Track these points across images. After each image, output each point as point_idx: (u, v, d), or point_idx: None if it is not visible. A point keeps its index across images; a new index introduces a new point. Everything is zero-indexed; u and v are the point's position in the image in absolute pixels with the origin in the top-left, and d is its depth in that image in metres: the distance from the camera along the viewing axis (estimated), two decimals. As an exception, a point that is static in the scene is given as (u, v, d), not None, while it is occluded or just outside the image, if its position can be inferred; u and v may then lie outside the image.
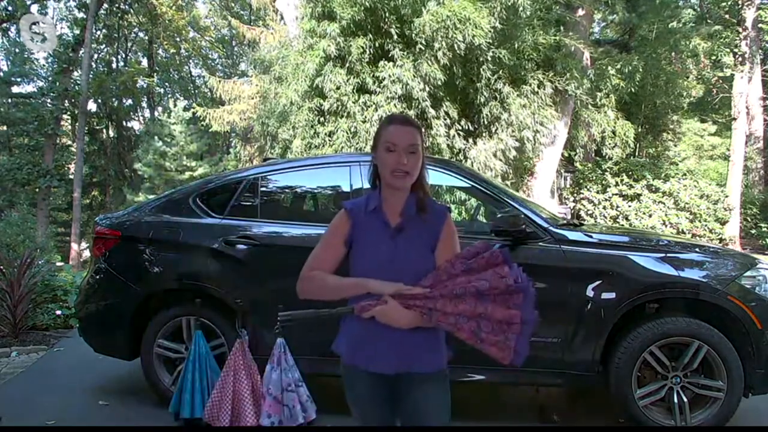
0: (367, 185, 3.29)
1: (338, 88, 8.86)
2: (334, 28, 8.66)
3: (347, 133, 8.90)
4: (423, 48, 8.58)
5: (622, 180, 12.32)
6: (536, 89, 9.11)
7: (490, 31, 8.30)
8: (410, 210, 1.63)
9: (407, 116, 1.75)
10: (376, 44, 9.02)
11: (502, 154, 9.16)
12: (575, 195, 12.93)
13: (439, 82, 8.54)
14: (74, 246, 16.95)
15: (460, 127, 9.23)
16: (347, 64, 8.88)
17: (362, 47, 8.74)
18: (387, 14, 8.61)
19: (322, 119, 9.39)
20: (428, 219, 1.62)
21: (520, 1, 8.20)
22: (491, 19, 8.31)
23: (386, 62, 8.85)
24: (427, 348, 1.61)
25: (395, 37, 8.76)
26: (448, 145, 9.12)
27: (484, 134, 9.48)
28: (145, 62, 25.36)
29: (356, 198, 1.73)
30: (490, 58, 8.61)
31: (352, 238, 1.63)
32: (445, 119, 9.02)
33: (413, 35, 8.63)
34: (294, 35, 10.30)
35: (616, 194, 12.23)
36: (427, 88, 8.68)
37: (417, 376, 1.60)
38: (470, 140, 9.41)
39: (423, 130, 1.71)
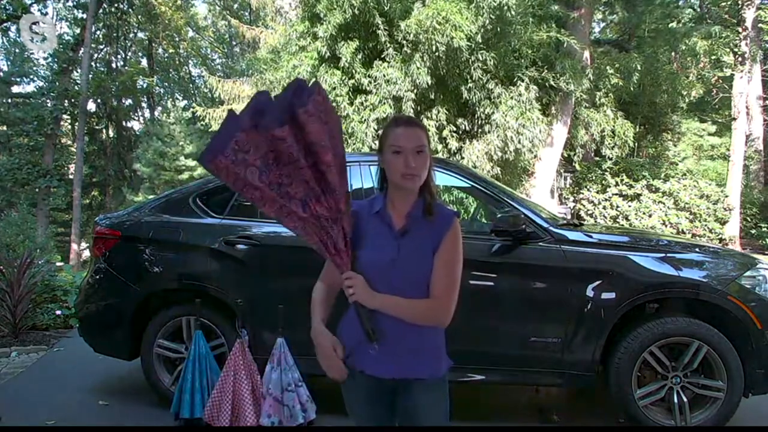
0: (366, 185, 3.32)
1: (333, 89, 8.88)
2: (324, 30, 8.69)
3: (344, 133, 8.93)
4: (409, 51, 8.61)
5: (621, 180, 12.32)
6: (522, 91, 9.09)
7: (478, 32, 8.29)
8: (417, 213, 1.60)
9: (412, 117, 1.73)
10: (369, 45, 9.05)
11: (489, 156, 9.16)
12: (575, 195, 12.93)
13: (426, 84, 8.55)
14: (74, 246, 16.94)
15: (453, 128, 9.23)
16: (341, 65, 8.91)
17: (355, 50, 8.77)
18: (374, 17, 8.62)
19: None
20: (435, 221, 1.59)
21: (505, 0, 8.16)
22: (479, 18, 8.28)
23: (380, 62, 8.88)
24: (425, 355, 1.60)
25: (384, 39, 8.78)
26: (444, 145, 9.13)
27: (478, 134, 9.50)
28: (144, 62, 25.36)
29: (362, 200, 1.71)
30: (480, 59, 8.60)
31: (356, 239, 1.61)
32: (436, 120, 9.03)
33: (400, 38, 8.66)
34: (289, 37, 10.31)
35: (616, 194, 12.23)
36: (416, 90, 8.69)
37: (415, 382, 1.59)
38: (467, 140, 9.42)
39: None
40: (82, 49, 17.70)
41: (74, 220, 17.14)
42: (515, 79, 9.24)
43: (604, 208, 12.27)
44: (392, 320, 1.54)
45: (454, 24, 8.07)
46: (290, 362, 3.07)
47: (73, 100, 18.09)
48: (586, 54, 10.79)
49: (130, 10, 21.54)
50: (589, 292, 3.07)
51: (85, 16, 18.53)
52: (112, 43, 22.84)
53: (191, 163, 19.44)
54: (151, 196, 13.17)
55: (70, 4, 21.56)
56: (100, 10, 19.64)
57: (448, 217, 1.60)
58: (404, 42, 8.66)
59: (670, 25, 12.66)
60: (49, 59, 18.58)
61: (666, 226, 11.75)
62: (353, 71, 8.93)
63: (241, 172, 1.47)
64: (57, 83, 17.80)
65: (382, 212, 1.62)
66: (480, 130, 9.50)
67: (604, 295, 3.07)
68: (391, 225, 1.61)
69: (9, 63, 19.67)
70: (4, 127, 18.26)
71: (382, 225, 1.61)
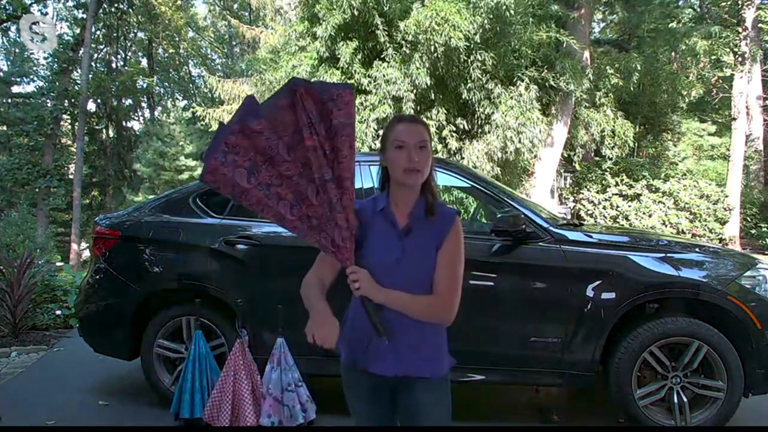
0: (366, 185, 3.32)
1: None
2: (324, 30, 8.70)
3: None
4: (408, 51, 8.62)
5: (621, 180, 12.33)
6: (522, 91, 9.08)
7: (477, 32, 8.29)
8: (419, 212, 1.61)
9: (414, 115, 1.74)
10: (369, 45, 9.05)
11: (489, 156, 9.16)
12: (575, 195, 12.93)
13: (425, 85, 8.55)
14: (74, 246, 16.94)
15: (453, 128, 9.22)
16: (341, 65, 8.91)
17: (354, 50, 8.77)
18: (373, 18, 8.63)
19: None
20: (437, 221, 1.60)
21: (503, 0, 8.16)
22: (477, 18, 8.27)
23: (380, 62, 8.88)
24: (428, 353, 1.60)
25: (383, 39, 8.78)
26: (444, 145, 9.13)
27: (478, 134, 9.49)
28: (145, 62, 25.37)
29: (364, 199, 1.71)
30: (479, 59, 8.60)
31: (360, 238, 1.61)
32: (436, 120, 9.03)
33: (399, 38, 8.67)
34: (289, 37, 10.32)
35: (616, 194, 12.23)
36: (416, 90, 8.69)
37: (417, 381, 1.59)
38: (466, 141, 9.42)
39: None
40: (82, 49, 17.69)
41: (74, 220, 17.13)
42: (515, 79, 9.24)
43: (604, 208, 12.27)
44: (395, 315, 1.55)
45: (453, 24, 8.06)
46: (290, 362, 3.07)
47: (73, 100, 18.09)
48: (586, 54, 10.79)
49: (130, 10, 21.53)
50: (589, 292, 3.07)
51: (85, 16, 18.52)
52: (112, 43, 22.84)
53: (191, 163, 19.45)
54: (151, 196, 13.18)
55: (70, 4, 21.58)
56: (100, 10, 19.63)
57: (450, 216, 1.62)
58: (403, 42, 8.67)
59: (670, 25, 12.66)
60: (49, 59, 18.56)
61: (666, 226, 11.74)
62: (353, 71, 8.93)
63: (229, 173, 1.49)
64: (57, 83, 17.79)
65: (386, 210, 1.63)
66: (480, 130, 9.50)
67: (604, 295, 3.07)
68: (395, 223, 1.61)
69: (9, 63, 19.69)
70: (4, 127, 18.25)
71: (385, 223, 1.62)
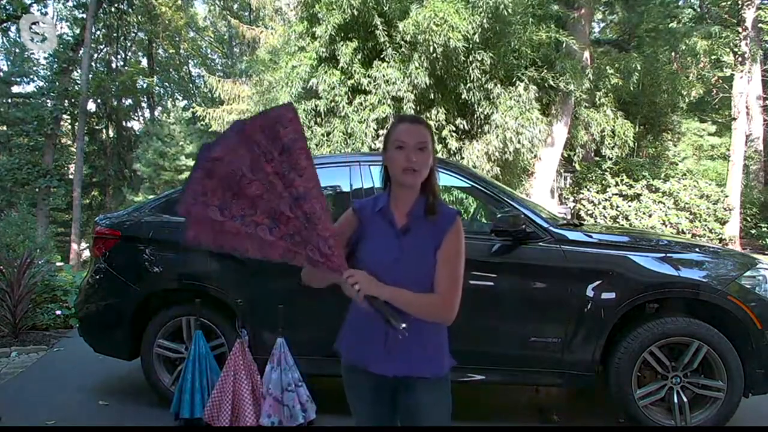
0: (366, 185, 3.32)
1: (332, 89, 8.90)
2: (323, 30, 8.70)
3: (343, 134, 8.94)
4: (407, 51, 8.62)
5: (621, 180, 12.33)
6: (522, 91, 9.07)
7: (475, 31, 8.28)
8: (418, 211, 1.62)
9: (417, 116, 1.76)
10: (368, 45, 9.05)
11: (489, 156, 9.15)
12: (575, 195, 12.93)
13: (425, 85, 8.54)
14: (74, 246, 16.94)
15: (453, 128, 9.22)
16: (340, 66, 8.91)
17: (354, 50, 8.77)
18: (373, 18, 8.63)
19: (318, 120, 9.44)
20: (437, 220, 1.61)
21: (502, 0, 8.14)
22: (476, 18, 8.26)
23: (379, 62, 8.88)
24: (429, 353, 1.60)
25: (383, 39, 8.78)
26: (443, 145, 9.13)
27: (478, 134, 9.49)
28: (144, 62, 25.37)
29: (365, 198, 1.72)
30: (478, 59, 8.60)
31: (359, 237, 1.63)
32: (436, 120, 9.04)
33: (398, 38, 8.67)
34: (288, 38, 10.32)
35: (616, 194, 12.23)
36: (415, 90, 8.69)
37: (417, 381, 1.59)
38: (466, 141, 9.41)
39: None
40: (82, 49, 17.69)
41: (74, 220, 17.13)
42: (514, 79, 9.23)
43: (604, 208, 12.26)
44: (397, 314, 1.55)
45: (451, 24, 8.06)
46: (290, 362, 3.07)
47: (73, 100, 18.08)
48: (586, 54, 10.78)
49: (130, 10, 21.52)
50: (589, 292, 3.08)
51: (85, 16, 18.52)
52: (112, 43, 22.82)
53: (191, 163, 19.44)
54: (151, 196, 13.19)
55: (70, 4, 21.55)
56: (100, 10, 19.63)
57: (450, 216, 1.62)
58: (402, 42, 8.67)
59: (670, 25, 12.66)
60: (49, 59, 18.54)
61: (666, 226, 11.74)
62: (352, 71, 8.93)
63: (201, 211, 1.52)
64: (57, 83, 17.77)
65: (384, 210, 1.64)
66: (479, 130, 9.49)
67: (604, 295, 3.07)
68: (393, 222, 1.62)
69: (9, 63, 19.68)
70: (4, 127, 18.24)
71: (384, 222, 1.62)
